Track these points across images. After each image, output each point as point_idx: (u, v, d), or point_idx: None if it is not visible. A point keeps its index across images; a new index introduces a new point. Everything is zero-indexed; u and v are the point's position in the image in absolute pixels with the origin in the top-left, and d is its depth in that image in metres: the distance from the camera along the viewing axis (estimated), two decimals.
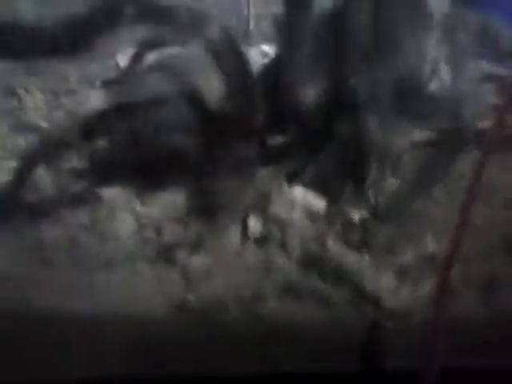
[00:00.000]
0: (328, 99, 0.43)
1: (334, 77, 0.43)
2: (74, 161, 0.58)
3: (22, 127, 0.73)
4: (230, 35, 0.44)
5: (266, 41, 1.32)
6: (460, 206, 0.35)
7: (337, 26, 0.43)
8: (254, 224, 0.43)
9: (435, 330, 0.30)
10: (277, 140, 0.47)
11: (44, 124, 0.63)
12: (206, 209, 0.47)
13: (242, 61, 0.45)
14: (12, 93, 0.63)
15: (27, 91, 0.68)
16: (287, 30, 0.44)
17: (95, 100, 0.67)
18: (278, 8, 1.27)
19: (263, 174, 0.46)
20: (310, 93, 0.44)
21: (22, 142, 0.67)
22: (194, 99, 0.49)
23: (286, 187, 0.45)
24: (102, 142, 0.52)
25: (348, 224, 0.45)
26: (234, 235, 0.44)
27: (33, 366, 0.35)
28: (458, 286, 0.37)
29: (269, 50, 0.95)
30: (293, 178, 0.46)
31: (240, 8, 1.36)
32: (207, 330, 0.36)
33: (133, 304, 0.39)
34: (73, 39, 0.41)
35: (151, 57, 0.54)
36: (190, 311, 0.36)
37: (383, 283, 0.39)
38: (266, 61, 0.86)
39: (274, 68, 0.49)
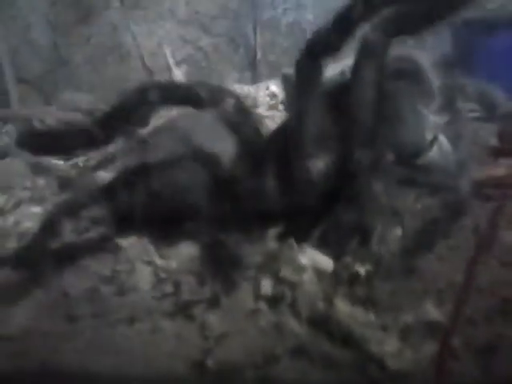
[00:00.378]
0: (335, 167, 0.47)
1: (340, 147, 0.46)
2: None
3: None
4: (243, 106, 0.48)
5: (273, 71, 1.36)
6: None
7: (342, 101, 0.47)
8: (266, 285, 0.46)
9: None
10: (286, 202, 0.50)
11: None
12: (221, 266, 0.50)
13: (253, 129, 0.48)
14: None
15: None
16: (297, 104, 0.47)
17: None
18: (284, 39, 1.31)
19: (274, 235, 0.50)
20: (318, 160, 0.48)
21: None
22: (209, 161, 0.53)
23: (295, 248, 0.48)
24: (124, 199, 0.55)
25: (354, 281, 0.48)
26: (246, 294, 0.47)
27: None
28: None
29: (276, 89, 1.00)
30: (302, 239, 0.49)
31: (247, 38, 1.41)
32: None
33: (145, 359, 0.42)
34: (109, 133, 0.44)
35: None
36: (207, 372, 0.39)
37: (387, 344, 0.42)
38: (274, 102, 0.90)
39: (283, 132, 0.52)
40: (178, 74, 1.25)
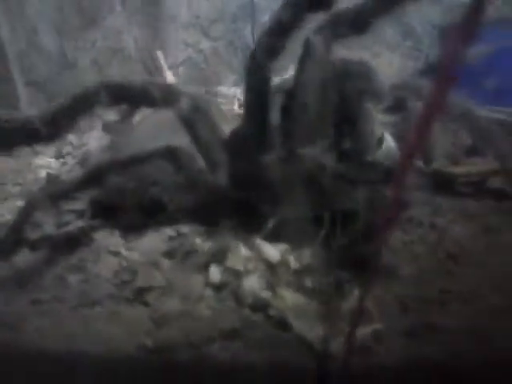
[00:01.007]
0: (282, 163, 0.49)
1: (287, 143, 0.49)
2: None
3: None
4: (199, 106, 0.51)
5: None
6: None
7: (291, 99, 0.49)
8: (214, 273, 0.49)
9: None
10: (240, 198, 0.53)
11: None
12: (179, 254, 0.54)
13: (209, 128, 0.51)
14: None
15: None
16: (249, 104, 0.50)
17: None
18: None
19: (225, 228, 0.53)
20: (266, 157, 0.50)
21: None
22: (173, 155, 0.56)
23: (244, 239, 0.51)
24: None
25: (300, 272, 0.51)
26: (197, 281, 0.50)
27: None
28: None
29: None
30: (253, 232, 0.52)
31: (246, 41, 1.43)
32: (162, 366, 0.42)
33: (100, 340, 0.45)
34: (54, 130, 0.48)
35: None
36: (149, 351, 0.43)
37: (322, 328, 0.44)
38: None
39: (239, 130, 0.55)
40: (171, 77, 1.29)
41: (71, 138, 1.02)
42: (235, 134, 0.53)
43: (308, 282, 0.50)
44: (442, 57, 0.27)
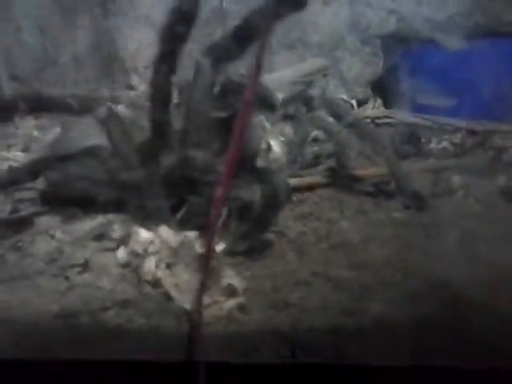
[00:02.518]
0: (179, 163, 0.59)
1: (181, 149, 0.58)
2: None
3: None
4: (114, 113, 0.60)
5: None
6: None
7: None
8: (122, 254, 0.59)
9: None
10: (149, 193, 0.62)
11: None
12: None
13: (122, 132, 0.60)
14: None
15: None
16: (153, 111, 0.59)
17: None
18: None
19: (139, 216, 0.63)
20: (166, 158, 0.60)
21: None
22: (99, 154, 0.65)
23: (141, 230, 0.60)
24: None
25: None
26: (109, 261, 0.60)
27: None
28: None
29: None
30: (160, 220, 0.62)
31: None
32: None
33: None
34: None
35: None
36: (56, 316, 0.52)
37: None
38: None
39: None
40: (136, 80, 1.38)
41: (37, 133, 1.12)
42: (143, 138, 0.63)
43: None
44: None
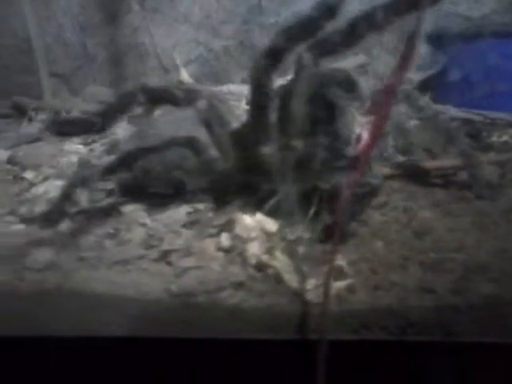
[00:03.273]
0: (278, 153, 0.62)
1: (282, 137, 0.61)
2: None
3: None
4: (214, 105, 0.63)
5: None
6: None
7: (286, 102, 0.62)
8: (225, 239, 0.62)
9: None
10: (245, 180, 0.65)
11: None
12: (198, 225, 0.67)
13: (221, 124, 0.64)
14: None
15: None
16: (253, 104, 0.63)
17: None
18: None
19: (234, 204, 0.65)
20: (267, 147, 0.63)
21: None
22: (193, 145, 0.69)
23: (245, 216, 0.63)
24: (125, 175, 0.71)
25: (293, 241, 0.63)
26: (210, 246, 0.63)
27: None
28: None
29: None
30: (255, 208, 0.65)
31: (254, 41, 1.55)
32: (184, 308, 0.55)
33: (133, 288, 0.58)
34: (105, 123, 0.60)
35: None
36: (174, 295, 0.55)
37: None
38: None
39: (244, 126, 0.68)
40: (185, 74, 1.41)
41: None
42: (243, 128, 0.66)
43: (298, 249, 0.63)
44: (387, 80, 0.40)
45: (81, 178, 0.70)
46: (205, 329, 0.54)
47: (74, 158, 0.98)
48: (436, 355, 0.53)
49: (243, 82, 1.45)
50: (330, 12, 0.51)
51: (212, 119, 0.63)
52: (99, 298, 0.57)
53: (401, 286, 0.56)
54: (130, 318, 0.55)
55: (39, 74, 1.63)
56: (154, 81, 1.57)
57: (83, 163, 0.94)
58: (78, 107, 1.40)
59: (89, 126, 0.63)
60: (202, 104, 0.62)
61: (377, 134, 0.42)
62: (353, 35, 0.56)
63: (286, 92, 0.61)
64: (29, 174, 0.92)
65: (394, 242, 0.66)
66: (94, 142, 1.12)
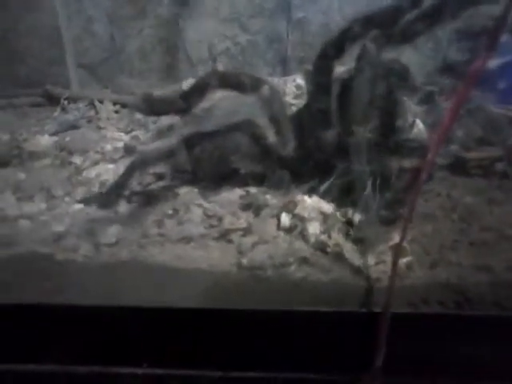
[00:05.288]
0: (337, 140, 0.65)
1: (342, 125, 0.65)
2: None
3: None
4: (276, 93, 0.67)
5: (302, 66, 1.55)
6: None
7: (346, 88, 0.65)
8: (285, 219, 0.65)
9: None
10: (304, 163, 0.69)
11: None
12: (255, 207, 0.70)
13: (282, 110, 0.67)
14: None
15: None
16: (313, 88, 0.66)
17: None
18: (313, 38, 1.50)
19: (292, 186, 0.69)
20: (326, 133, 0.66)
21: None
22: (250, 129, 0.72)
23: (304, 196, 0.67)
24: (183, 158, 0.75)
25: (347, 223, 0.67)
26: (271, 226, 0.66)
27: None
28: None
29: (301, 82, 1.18)
30: (313, 189, 0.68)
31: (280, 36, 1.59)
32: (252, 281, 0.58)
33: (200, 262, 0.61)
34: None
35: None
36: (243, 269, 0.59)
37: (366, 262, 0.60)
38: (299, 92, 1.09)
39: (303, 112, 0.71)
40: (220, 66, 1.45)
41: (139, 116, 1.18)
42: (301, 114, 0.69)
43: (352, 231, 0.66)
44: (471, 64, 0.43)
45: (142, 161, 0.73)
46: (273, 301, 0.57)
47: (119, 144, 1.01)
48: (491, 329, 0.57)
49: (271, 75, 1.49)
50: (415, 2, 0.54)
51: (273, 104, 0.67)
52: (170, 271, 0.61)
53: (455, 264, 0.60)
54: (201, 290, 0.59)
55: (67, 65, 1.66)
56: (184, 74, 1.60)
57: (129, 149, 0.97)
58: (110, 98, 1.44)
59: (176, 106, 0.66)
60: (265, 90, 0.66)
61: (454, 117, 0.45)
62: (414, 29, 0.59)
63: (348, 79, 0.64)
64: (77, 159, 0.96)
65: (441, 226, 0.69)
66: (133, 130, 1.15)
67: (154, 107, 0.70)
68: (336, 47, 0.61)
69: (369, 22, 0.58)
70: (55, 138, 1.07)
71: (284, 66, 1.59)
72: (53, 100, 1.49)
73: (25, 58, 1.61)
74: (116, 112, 1.37)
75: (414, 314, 0.56)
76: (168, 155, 0.73)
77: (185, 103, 0.65)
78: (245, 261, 0.59)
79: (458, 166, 0.85)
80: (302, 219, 0.64)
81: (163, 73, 1.64)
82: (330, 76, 0.64)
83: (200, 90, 0.64)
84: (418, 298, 0.57)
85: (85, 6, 1.63)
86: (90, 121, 1.28)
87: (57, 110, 1.40)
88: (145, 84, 1.56)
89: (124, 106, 1.41)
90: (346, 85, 0.64)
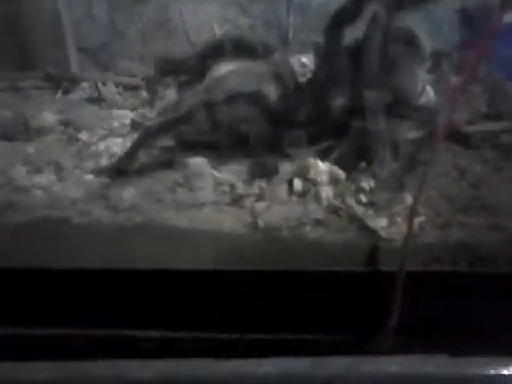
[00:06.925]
0: (349, 105, 0.66)
1: (353, 89, 0.66)
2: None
3: None
4: (286, 60, 0.67)
5: (302, 48, 1.56)
6: None
7: (357, 55, 0.66)
8: (297, 184, 0.66)
9: None
10: (314, 130, 0.70)
11: None
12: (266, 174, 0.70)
13: (293, 76, 0.67)
14: None
15: None
16: (324, 56, 0.67)
17: None
18: (313, 20, 1.50)
19: (305, 152, 0.70)
20: (337, 99, 0.67)
21: None
22: (259, 98, 0.72)
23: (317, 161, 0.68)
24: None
25: (359, 188, 0.68)
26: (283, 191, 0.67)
27: None
28: None
29: (306, 61, 1.19)
30: (324, 156, 0.69)
31: (280, 19, 1.59)
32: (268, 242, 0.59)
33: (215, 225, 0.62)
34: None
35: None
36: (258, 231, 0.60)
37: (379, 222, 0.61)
38: (304, 70, 1.09)
39: (313, 80, 0.72)
40: None
41: (145, 94, 1.18)
42: (312, 80, 0.70)
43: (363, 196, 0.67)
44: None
45: (152, 130, 0.73)
46: (289, 261, 0.58)
47: (126, 121, 1.01)
48: (504, 287, 0.58)
49: None
50: None
51: (284, 71, 0.67)
52: (185, 233, 0.61)
53: (466, 224, 0.61)
54: (216, 251, 0.60)
55: (67, 48, 1.65)
56: None
57: (136, 125, 0.97)
58: (112, 80, 1.44)
59: (192, 67, 0.67)
60: (277, 57, 0.66)
61: (469, 78, 0.46)
62: None
63: (358, 46, 0.65)
64: (84, 135, 0.96)
65: (450, 191, 0.70)
66: (137, 108, 1.16)
67: (170, 66, 0.70)
68: (348, 13, 0.62)
69: None
70: (61, 117, 1.07)
71: (285, 49, 1.59)
72: (54, 82, 1.49)
73: (25, 42, 1.60)
74: (119, 94, 1.37)
75: (427, 272, 0.58)
76: (177, 125, 0.73)
77: (200, 64, 0.65)
78: (260, 222, 0.59)
79: (463, 139, 0.86)
80: (315, 183, 0.65)
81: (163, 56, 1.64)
82: (341, 42, 0.64)
83: (215, 53, 0.65)
84: (431, 257, 0.58)
85: None
86: (93, 102, 1.28)
87: (58, 92, 1.40)
88: (145, 68, 1.55)
89: (126, 87, 1.41)
90: (357, 51, 0.65)
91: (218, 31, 1.61)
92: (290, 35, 1.58)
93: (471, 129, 0.89)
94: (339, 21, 0.64)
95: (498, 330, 0.58)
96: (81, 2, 1.64)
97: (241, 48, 0.65)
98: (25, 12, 1.60)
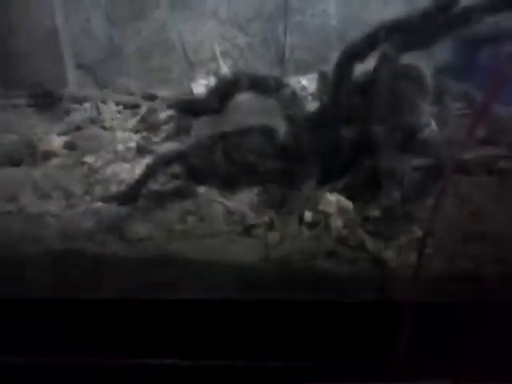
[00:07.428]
0: (356, 139, 0.69)
1: (361, 125, 0.68)
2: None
3: None
4: (295, 94, 0.69)
5: (298, 68, 1.59)
6: None
7: (365, 91, 0.68)
8: (308, 215, 0.68)
9: None
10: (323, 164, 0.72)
11: None
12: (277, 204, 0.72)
13: (300, 111, 0.70)
14: None
15: None
16: (333, 92, 0.69)
17: None
18: (309, 41, 1.53)
19: (313, 184, 0.72)
20: (346, 132, 0.70)
21: None
22: (269, 132, 0.75)
23: (327, 193, 0.70)
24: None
25: (366, 218, 0.70)
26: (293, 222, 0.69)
27: None
28: None
29: (306, 83, 1.21)
30: (332, 188, 0.71)
31: (278, 38, 1.62)
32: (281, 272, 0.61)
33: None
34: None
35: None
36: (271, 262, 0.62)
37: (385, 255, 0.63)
38: (304, 93, 1.12)
39: (320, 114, 0.74)
40: (225, 66, 1.48)
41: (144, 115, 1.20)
42: (319, 114, 0.72)
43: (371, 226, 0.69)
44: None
45: (163, 160, 0.75)
46: (302, 291, 0.60)
47: (130, 144, 1.03)
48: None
49: None
50: (447, 6, 0.57)
51: (293, 106, 0.69)
52: (200, 265, 0.63)
53: (471, 255, 0.63)
54: (233, 282, 0.61)
55: (65, 65, 1.66)
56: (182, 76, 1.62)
57: (142, 149, 0.99)
58: (111, 98, 1.45)
59: (210, 107, 0.68)
60: (287, 91, 0.68)
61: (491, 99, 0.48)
62: (432, 34, 0.63)
63: (367, 81, 0.67)
64: (89, 159, 0.97)
65: (452, 220, 0.73)
66: (141, 131, 1.17)
67: (192, 108, 0.72)
68: (359, 51, 0.64)
69: (396, 28, 0.61)
70: (64, 138, 1.08)
71: (282, 68, 1.62)
72: (51, 100, 1.49)
73: (23, 59, 1.60)
74: (119, 112, 1.38)
75: (436, 302, 0.60)
76: (188, 156, 0.75)
77: (217, 104, 0.67)
78: (274, 254, 0.61)
79: (460, 166, 0.89)
80: (326, 215, 0.67)
81: (160, 73, 1.66)
82: (350, 78, 0.67)
83: (230, 90, 0.67)
84: (439, 287, 0.61)
85: (83, 6, 1.63)
86: (93, 121, 1.29)
87: (57, 111, 1.40)
88: (143, 85, 1.57)
89: (126, 106, 1.42)
90: (366, 87, 0.67)
91: (218, 50, 1.64)
92: (287, 55, 1.61)
93: (469, 155, 0.92)
94: (351, 57, 0.66)
95: (500, 360, 0.61)
96: (79, 18, 1.65)
97: (256, 84, 0.67)
98: (22, 29, 1.60)
